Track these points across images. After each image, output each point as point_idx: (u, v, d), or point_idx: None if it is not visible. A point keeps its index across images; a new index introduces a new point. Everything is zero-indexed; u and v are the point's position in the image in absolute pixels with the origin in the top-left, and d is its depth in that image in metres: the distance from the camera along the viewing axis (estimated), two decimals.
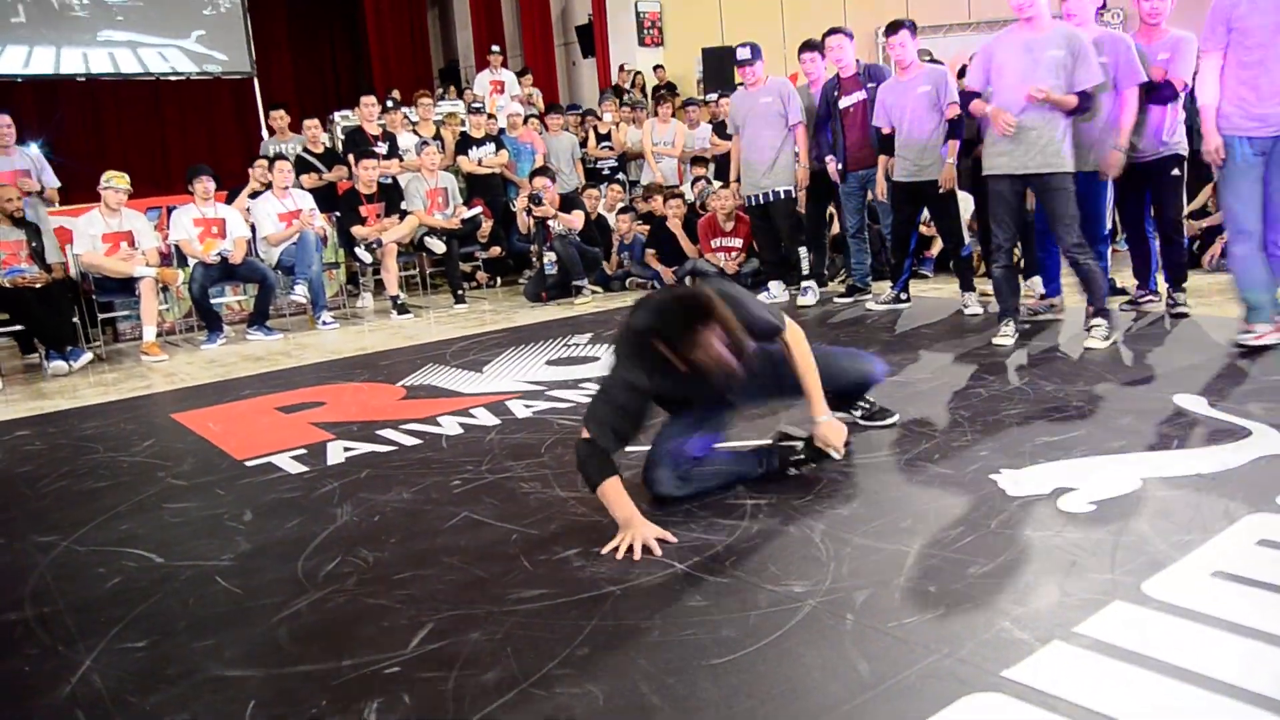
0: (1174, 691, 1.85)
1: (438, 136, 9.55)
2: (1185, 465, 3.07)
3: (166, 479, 3.81)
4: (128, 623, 2.53)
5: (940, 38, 11.25)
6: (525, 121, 9.78)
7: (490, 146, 9.36)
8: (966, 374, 4.50)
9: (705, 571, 2.55)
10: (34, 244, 6.60)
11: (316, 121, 8.96)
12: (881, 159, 6.27)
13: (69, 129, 13.16)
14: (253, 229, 7.59)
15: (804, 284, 6.90)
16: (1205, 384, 4.00)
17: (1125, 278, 6.26)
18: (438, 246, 8.16)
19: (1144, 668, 1.94)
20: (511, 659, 2.17)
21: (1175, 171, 5.35)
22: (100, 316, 7.14)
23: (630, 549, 2.70)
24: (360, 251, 7.94)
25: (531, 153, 9.56)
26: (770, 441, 3.37)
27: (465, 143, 9.37)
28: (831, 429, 3.19)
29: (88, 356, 6.53)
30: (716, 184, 8.58)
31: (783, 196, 6.83)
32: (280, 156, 8.07)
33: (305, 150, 8.81)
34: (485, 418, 4.36)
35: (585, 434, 2.84)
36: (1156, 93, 5.16)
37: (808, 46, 6.84)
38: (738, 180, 7.18)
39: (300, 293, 7.44)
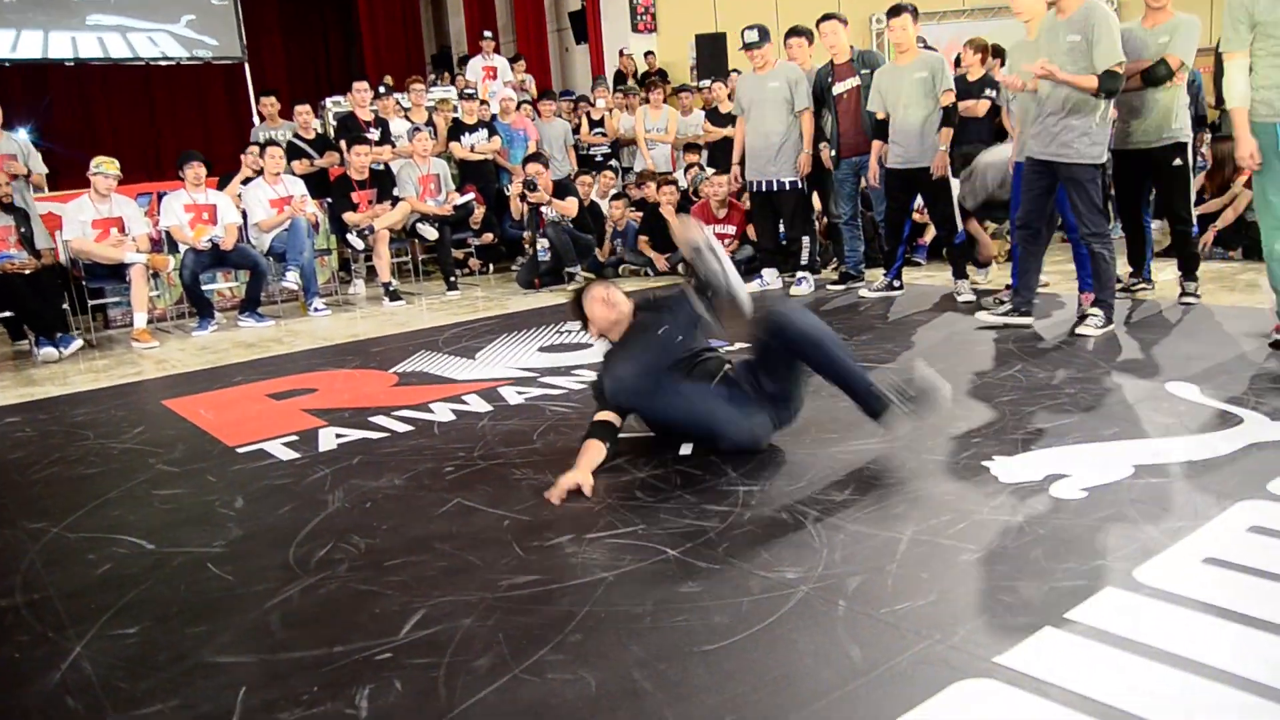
0: (1165, 677, 1.86)
1: (430, 122, 9.51)
2: (1177, 452, 3.07)
3: (158, 465, 3.80)
4: (118, 609, 2.52)
5: (935, 24, 11.24)
6: (518, 107, 9.75)
7: (483, 133, 9.32)
8: (959, 361, 4.50)
9: (697, 558, 2.55)
10: (23, 229, 6.56)
11: (308, 107, 8.91)
12: (875, 144, 6.25)
13: (58, 114, 13.06)
14: (244, 215, 7.56)
15: (799, 274, 6.88)
16: (1197, 372, 4.01)
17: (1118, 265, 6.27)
18: (430, 233, 8.13)
19: (1135, 653, 1.94)
20: (503, 645, 2.16)
21: (1177, 161, 5.29)
22: (90, 303, 7.09)
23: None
24: (352, 238, 7.91)
25: (524, 139, 9.53)
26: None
27: (457, 129, 9.33)
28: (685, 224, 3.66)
29: (78, 343, 6.50)
30: (710, 171, 8.56)
31: (788, 188, 6.79)
32: (272, 142, 8.03)
33: (297, 136, 8.77)
34: (477, 404, 4.36)
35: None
36: (1150, 74, 5.12)
37: (794, 33, 6.80)
38: (740, 163, 7.13)
39: (292, 279, 7.41)
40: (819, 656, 2.02)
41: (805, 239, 6.88)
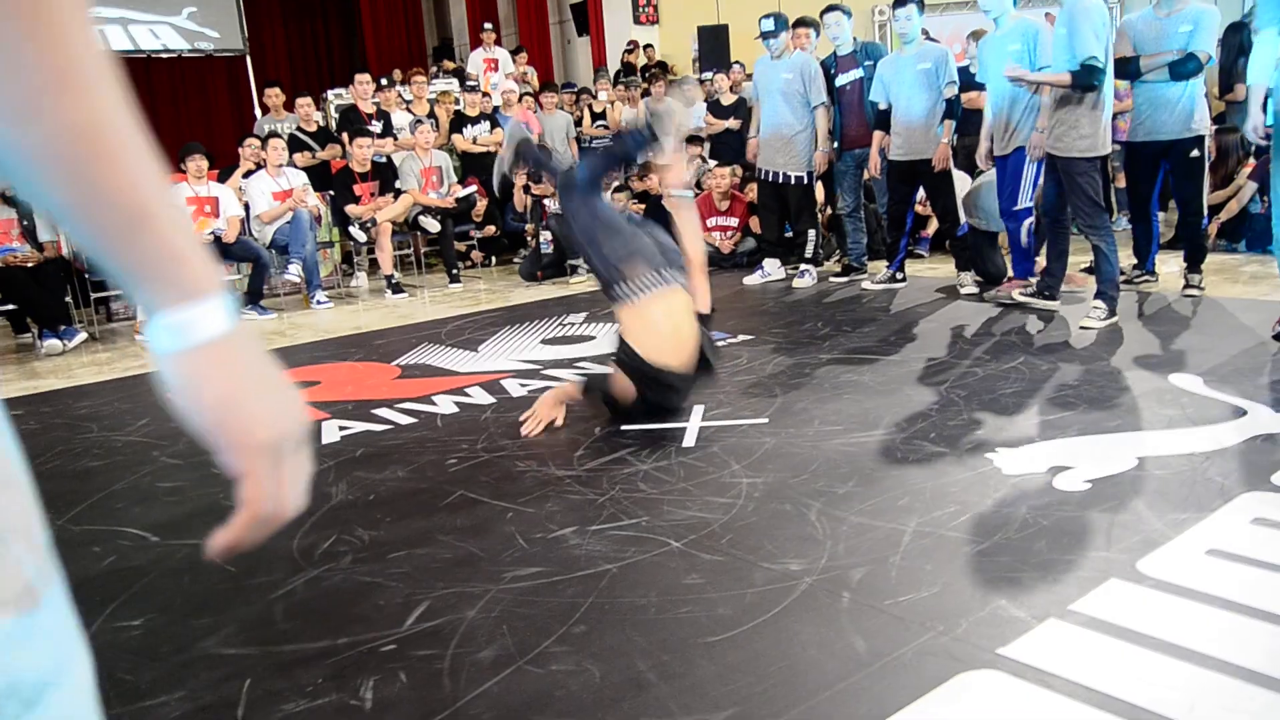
0: (1169, 668, 1.86)
1: (432, 115, 9.50)
2: (1181, 444, 3.07)
3: (161, 458, 3.80)
4: (123, 601, 2.53)
5: (938, 16, 11.19)
6: (520, 99, 9.73)
7: (485, 125, 9.31)
8: (963, 353, 4.50)
9: (701, 550, 2.55)
10: (25, 222, 6.56)
11: (310, 100, 8.90)
12: (877, 135, 6.24)
13: None
14: (246, 208, 7.55)
15: (803, 266, 6.87)
16: (1201, 364, 4.00)
17: (1121, 257, 6.26)
18: (432, 225, 8.12)
19: (1139, 645, 1.94)
20: (508, 636, 2.17)
21: (1195, 153, 5.28)
22: (93, 295, 7.10)
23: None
24: (354, 230, 7.90)
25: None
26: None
27: (459, 121, 9.32)
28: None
29: (82, 336, 6.50)
30: (712, 163, 8.54)
31: (793, 181, 6.77)
32: (274, 135, 8.02)
33: (299, 129, 8.76)
34: (480, 396, 4.36)
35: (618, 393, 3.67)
36: (1181, 67, 5.10)
37: (801, 23, 6.78)
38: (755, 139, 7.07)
39: (294, 272, 7.41)
40: (823, 648, 2.02)
41: (811, 231, 6.87)
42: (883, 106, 6.11)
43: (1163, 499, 2.66)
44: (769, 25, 6.63)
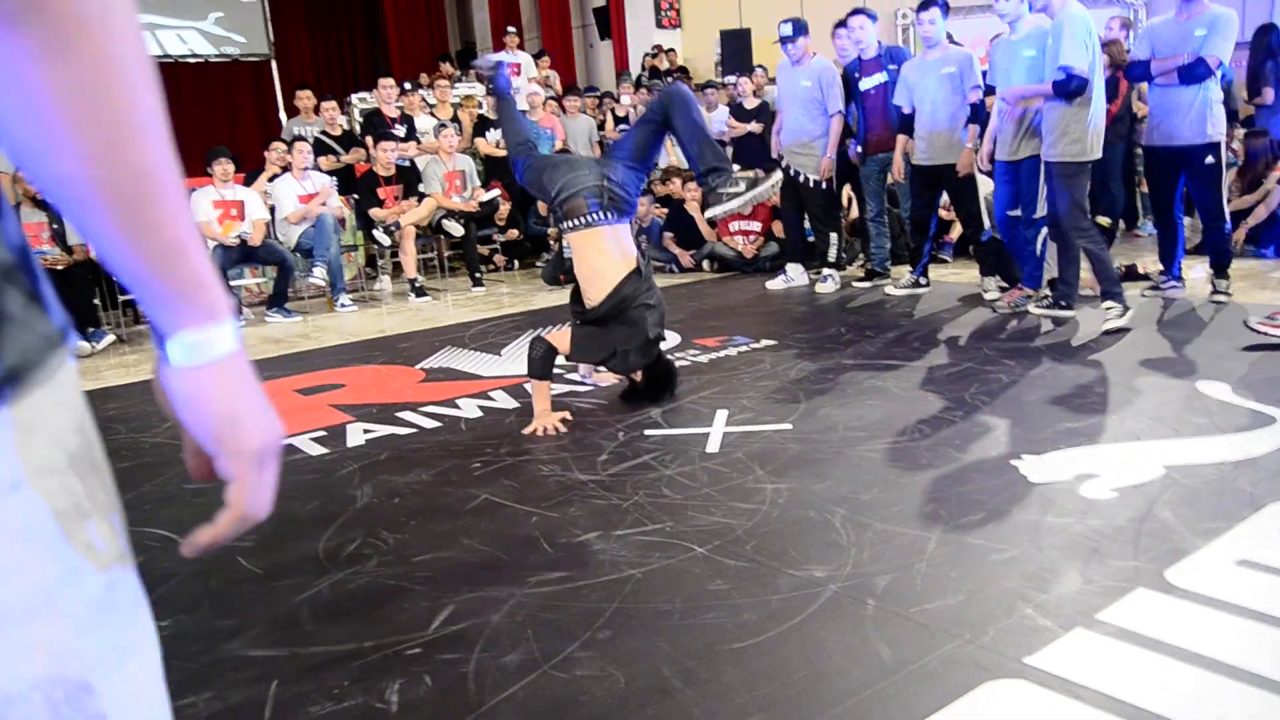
0: (1198, 680, 1.84)
1: (455, 119, 9.54)
2: (1209, 453, 3.05)
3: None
4: (151, 602, 2.54)
5: (961, 19, 11.14)
6: (545, 103, 9.76)
7: None
8: (987, 359, 4.47)
9: (725, 555, 2.55)
10: (55, 226, 6.64)
11: (334, 103, 8.95)
12: (900, 139, 6.22)
13: None
14: (271, 211, 7.61)
15: (825, 271, 6.85)
16: (1229, 371, 3.97)
17: (1146, 264, 6.22)
18: (455, 229, 8.15)
19: (1168, 655, 1.93)
20: (532, 641, 2.17)
21: (1209, 159, 5.24)
22: (121, 298, 7.16)
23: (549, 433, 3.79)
24: (378, 234, 7.94)
25: (551, 137, 9.53)
26: None
27: (483, 125, 9.36)
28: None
29: (110, 338, 6.57)
30: (735, 166, 8.54)
31: (811, 184, 6.76)
32: (299, 138, 8.08)
33: (323, 132, 8.81)
34: (504, 400, 4.37)
35: (554, 342, 3.89)
36: (1189, 71, 5.07)
37: (842, 25, 6.76)
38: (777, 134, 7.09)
39: (319, 275, 7.45)
40: (848, 655, 2.02)
41: (833, 235, 6.86)
42: (906, 111, 6.09)
43: (1191, 508, 2.64)
44: (787, 30, 6.62)
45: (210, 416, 0.73)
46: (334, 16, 16.15)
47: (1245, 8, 9.76)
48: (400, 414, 4.26)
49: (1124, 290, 4.97)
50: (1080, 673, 1.88)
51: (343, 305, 7.50)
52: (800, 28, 6.61)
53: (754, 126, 9.04)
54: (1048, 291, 5.49)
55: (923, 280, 6.39)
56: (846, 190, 7.27)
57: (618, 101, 10.66)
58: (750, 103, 9.25)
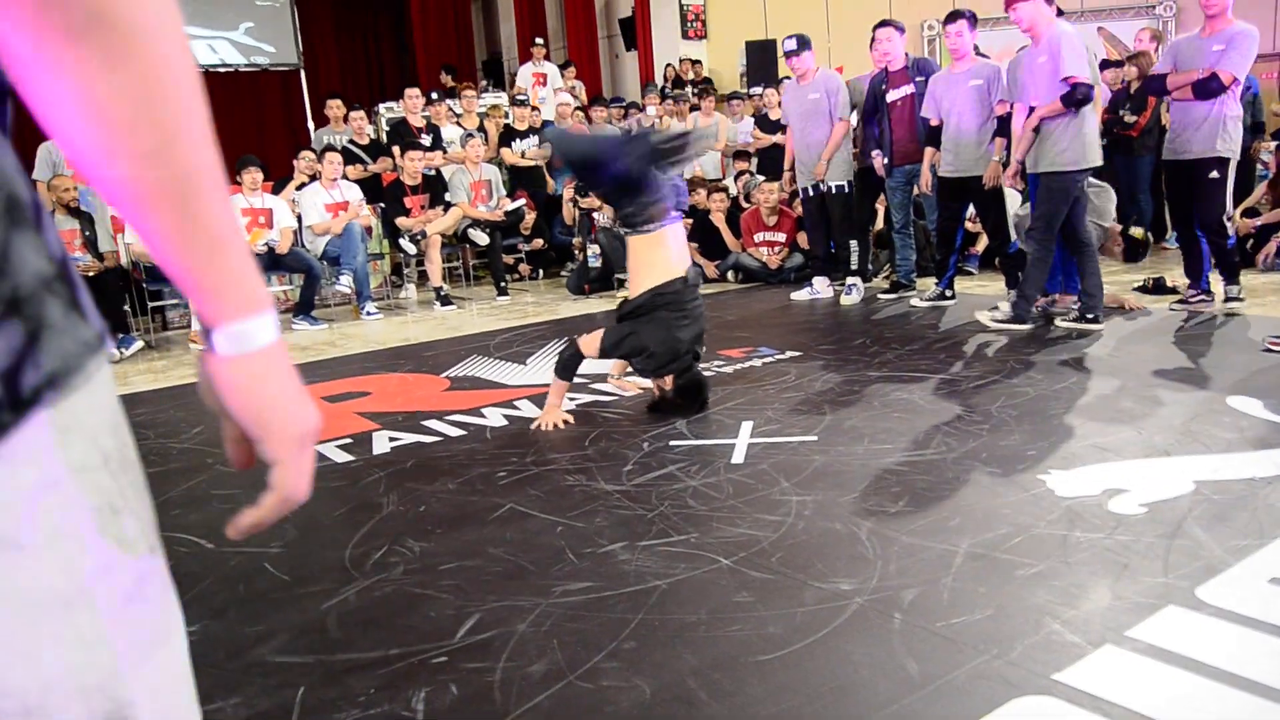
0: (1229, 699, 1.82)
1: (481, 129, 9.59)
2: (1240, 468, 3.02)
3: (216, 465, 3.86)
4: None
5: (988, 30, 11.10)
6: (573, 113, 9.80)
7: (533, 139, 9.38)
8: (1013, 372, 4.45)
9: (751, 568, 2.55)
10: (87, 233, 6.72)
11: (362, 113, 9.03)
12: (927, 151, 6.21)
13: None
14: (299, 219, 7.67)
15: (849, 281, 6.83)
16: (1260, 386, 3.93)
17: (1175, 277, 6.17)
18: (481, 238, 8.19)
19: (1199, 674, 1.91)
20: (558, 651, 2.17)
21: (1213, 174, 5.22)
22: (150, 305, 7.24)
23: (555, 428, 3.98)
24: (404, 243, 7.99)
25: None
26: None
27: (508, 135, 9.40)
28: None
29: (138, 344, 6.64)
30: (760, 178, 8.54)
31: (834, 191, 6.76)
32: (330, 148, 8.15)
33: (351, 141, 8.88)
34: (529, 409, 4.38)
35: (584, 346, 3.98)
36: (1203, 86, 5.06)
37: (882, 25, 6.76)
38: (790, 170, 7.15)
39: (345, 283, 7.51)
40: (875, 669, 2.01)
41: (854, 243, 6.85)
42: (934, 123, 6.08)
43: (1222, 524, 2.61)
44: (791, 45, 6.65)
45: (255, 402, 0.77)
46: (362, 27, 16.27)
47: (1277, 18, 9.69)
48: (426, 422, 4.28)
49: (1033, 314, 5.40)
50: (1110, 690, 1.87)
51: (368, 313, 7.54)
52: (804, 42, 6.66)
53: (779, 138, 9.04)
54: (1071, 305, 5.50)
55: (948, 292, 6.36)
56: (881, 201, 7.25)
57: (643, 111, 10.68)
58: (775, 114, 9.24)
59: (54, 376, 0.61)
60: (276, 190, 7.93)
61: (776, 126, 9.15)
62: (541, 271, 9.35)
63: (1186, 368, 4.38)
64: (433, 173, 8.47)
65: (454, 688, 2.06)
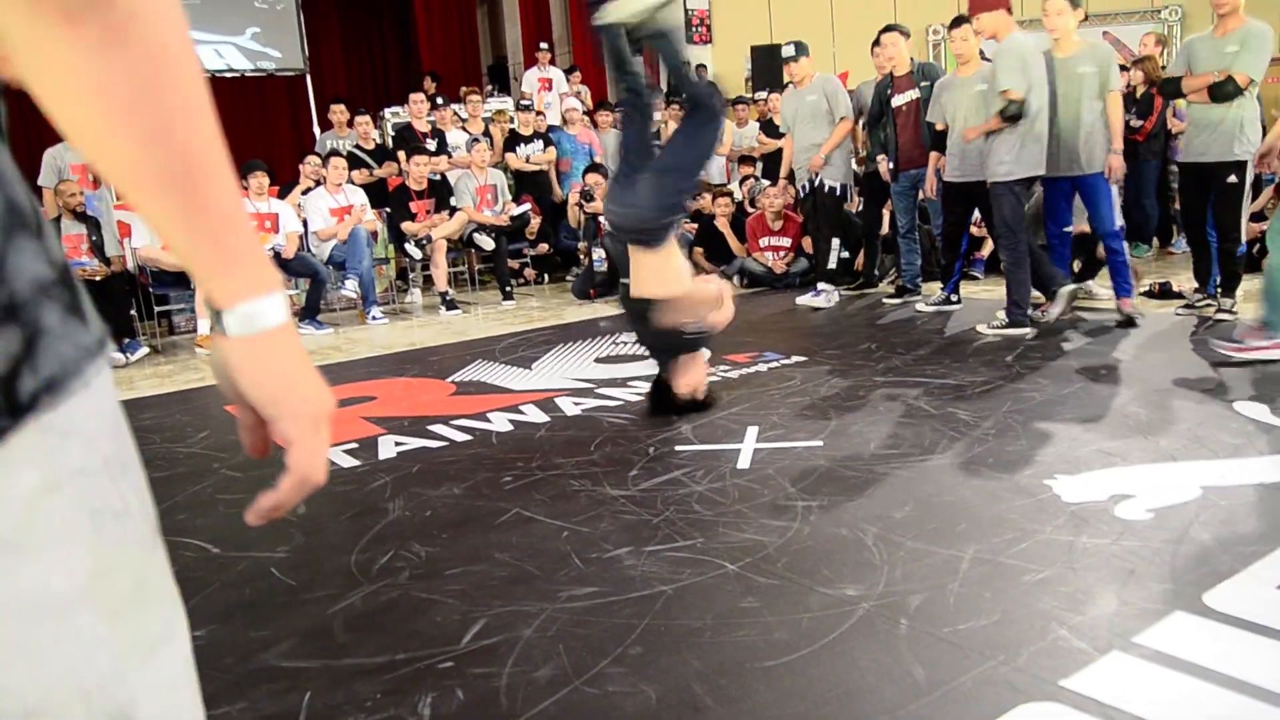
0: (1237, 706, 1.82)
1: (487, 133, 9.60)
2: (1248, 474, 3.01)
3: (222, 470, 3.87)
4: (185, 611, 2.56)
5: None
6: (580, 118, 9.81)
7: (539, 144, 9.39)
8: (1018, 376, 4.44)
9: (757, 573, 2.55)
10: (94, 238, 6.74)
11: (368, 118, 9.05)
12: (933, 156, 6.22)
13: None
14: (305, 224, 7.69)
15: (820, 285, 6.87)
16: (1267, 391, 3.92)
17: (1181, 282, 6.17)
18: (486, 243, 8.21)
19: (1206, 680, 1.90)
20: (564, 656, 2.17)
21: (1232, 179, 5.19)
22: (156, 309, 7.26)
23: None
24: (410, 247, 8.01)
25: (590, 151, 9.57)
26: None
27: (514, 140, 9.42)
28: None
29: (144, 349, 6.65)
30: (765, 182, 8.55)
31: (827, 190, 6.77)
32: (335, 153, 8.17)
33: (357, 146, 8.90)
34: (535, 414, 4.38)
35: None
36: (1219, 89, 5.04)
37: (888, 30, 6.81)
38: (788, 177, 7.18)
39: (351, 288, 7.53)
40: (881, 675, 2.01)
41: (835, 240, 6.88)
42: (940, 127, 6.08)
43: (1229, 530, 2.60)
44: (789, 51, 6.69)
45: (268, 382, 0.77)
46: (367, 32, 16.31)
47: None
48: (431, 427, 4.28)
49: (1031, 317, 5.46)
50: (1117, 696, 1.86)
51: (374, 318, 7.56)
52: (802, 49, 6.72)
53: (784, 143, 9.04)
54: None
55: (954, 297, 6.36)
56: (888, 206, 7.26)
57: None
58: (779, 119, 9.25)
59: (52, 381, 0.62)
60: (282, 195, 7.95)
61: (781, 131, 9.16)
62: (547, 276, 9.37)
63: (1193, 373, 4.36)
64: (438, 177, 8.49)
65: (460, 693, 2.06)
